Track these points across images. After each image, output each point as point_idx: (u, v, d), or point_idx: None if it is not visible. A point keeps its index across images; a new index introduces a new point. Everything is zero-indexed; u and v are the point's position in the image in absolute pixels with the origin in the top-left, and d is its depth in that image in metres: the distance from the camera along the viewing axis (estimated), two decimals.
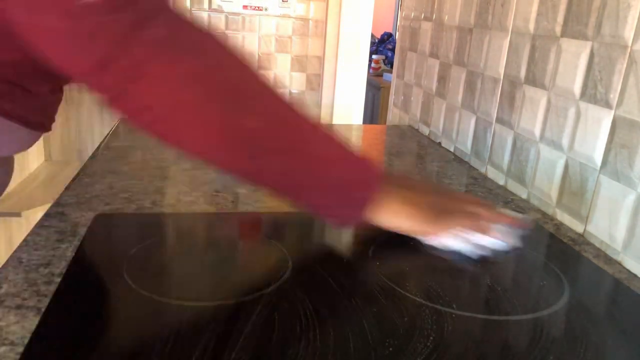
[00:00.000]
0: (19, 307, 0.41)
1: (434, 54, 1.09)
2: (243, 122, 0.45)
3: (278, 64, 2.29)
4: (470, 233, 0.54)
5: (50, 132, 0.66)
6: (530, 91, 0.74)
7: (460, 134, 0.96)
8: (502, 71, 0.82)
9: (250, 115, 0.46)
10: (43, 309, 0.41)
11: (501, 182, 0.81)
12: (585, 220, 0.63)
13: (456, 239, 0.54)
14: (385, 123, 1.40)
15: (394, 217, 0.54)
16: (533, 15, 0.74)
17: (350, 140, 1.06)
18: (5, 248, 1.70)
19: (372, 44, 4.11)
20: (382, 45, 4.15)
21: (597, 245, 0.61)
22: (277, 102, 0.48)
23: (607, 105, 0.60)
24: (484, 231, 0.55)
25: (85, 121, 2.03)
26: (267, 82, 0.48)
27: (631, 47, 0.56)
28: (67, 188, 0.67)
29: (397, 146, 1.03)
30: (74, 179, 0.71)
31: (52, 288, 0.44)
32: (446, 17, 1.03)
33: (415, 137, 1.11)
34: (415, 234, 0.55)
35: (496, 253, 0.55)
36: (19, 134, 0.62)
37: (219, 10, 2.20)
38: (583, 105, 0.64)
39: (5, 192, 0.71)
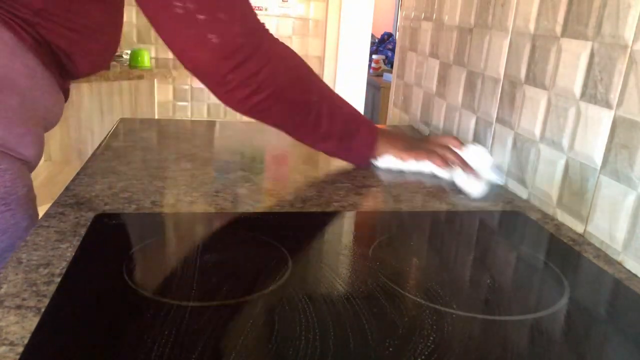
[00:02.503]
0: (19, 307, 0.41)
1: (434, 54, 1.09)
2: (308, 98, 0.74)
3: None
4: (439, 162, 0.81)
5: (50, 132, 0.70)
6: (530, 91, 0.74)
7: (460, 134, 0.96)
8: (502, 71, 0.82)
9: (311, 94, 0.75)
10: (43, 309, 0.41)
11: (501, 182, 0.81)
12: (585, 220, 0.63)
13: (428, 164, 0.82)
14: (385, 123, 1.40)
15: (385, 149, 0.83)
16: (533, 15, 0.74)
17: None
18: None
19: (372, 44, 4.11)
20: (382, 45, 4.16)
21: (597, 245, 0.61)
22: (324, 86, 0.78)
23: (607, 105, 0.60)
24: (448, 164, 0.81)
25: (85, 121, 2.02)
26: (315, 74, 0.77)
27: (631, 47, 0.56)
28: (67, 188, 0.67)
29: None
30: (74, 179, 0.71)
31: (52, 288, 0.44)
32: (446, 17, 1.02)
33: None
34: (400, 158, 0.83)
35: (456, 181, 0.78)
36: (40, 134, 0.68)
37: None
38: (583, 105, 0.64)
39: None
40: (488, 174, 0.80)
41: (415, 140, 0.88)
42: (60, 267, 0.48)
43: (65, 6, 0.66)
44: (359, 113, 0.82)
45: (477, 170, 0.79)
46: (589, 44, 0.63)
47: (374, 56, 3.95)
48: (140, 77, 1.92)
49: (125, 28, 2.17)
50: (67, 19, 0.66)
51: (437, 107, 1.06)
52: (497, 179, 0.79)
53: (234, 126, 1.11)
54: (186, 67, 0.66)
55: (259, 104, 0.69)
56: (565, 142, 0.67)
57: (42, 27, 0.64)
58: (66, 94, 0.75)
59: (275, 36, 0.71)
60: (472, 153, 0.81)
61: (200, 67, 0.65)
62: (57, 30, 0.66)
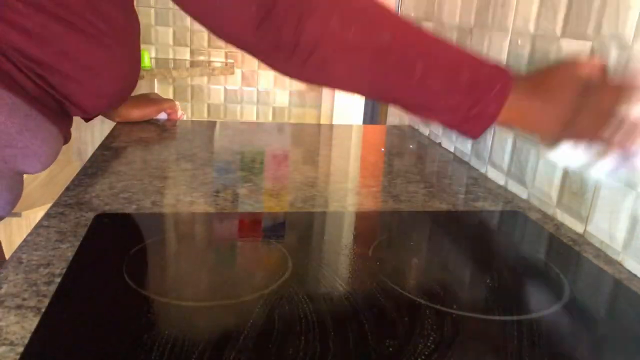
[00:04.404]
0: (19, 307, 0.41)
1: None
2: (381, 40, 0.53)
3: None
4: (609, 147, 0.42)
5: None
6: None
7: None
8: None
9: (389, 38, 0.54)
10: (43, 309, 0.41)
11: (501, 182, 0.81)
12: (585, 220, 0.63)
13: (587, 155, 0.45)
14: (385, 123, 1.40)
15: (523, 119, 0.53)
16: (533, 15, 0.74)
17: (355, 139, 1.06)
18: (5, 248, 1.70)
19: None
20: None
21: (597, 245, 0.61)
22: (407, 27, 0.56)
23: None
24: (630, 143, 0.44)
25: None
26: (395, 14, 0.56)
27: (631, 47, 0.56)
28: (67, 188, 0.67)
29: (397, 146, 1.03)
30: (74, 179, 0.71)
31: (52, 288, 0.44)
32: (446, 17, 1.02)
33: (415, 137, 1.11)
34: (542, 142, 0.54)
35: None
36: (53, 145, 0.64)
37: None
38: None
39: None
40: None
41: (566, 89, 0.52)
42: (60, 267, 0.48)
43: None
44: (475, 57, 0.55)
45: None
46: (589, 44, 0.63)
47: None
48: (140, 77, 1.92)
49: None
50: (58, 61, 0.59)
51: None
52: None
53: (234, 126, 1.11)
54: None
55: (322, 65, 0.53)
56: None
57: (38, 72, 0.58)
58: (67, 136, 0.69)
59: None
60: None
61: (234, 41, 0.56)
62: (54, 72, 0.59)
